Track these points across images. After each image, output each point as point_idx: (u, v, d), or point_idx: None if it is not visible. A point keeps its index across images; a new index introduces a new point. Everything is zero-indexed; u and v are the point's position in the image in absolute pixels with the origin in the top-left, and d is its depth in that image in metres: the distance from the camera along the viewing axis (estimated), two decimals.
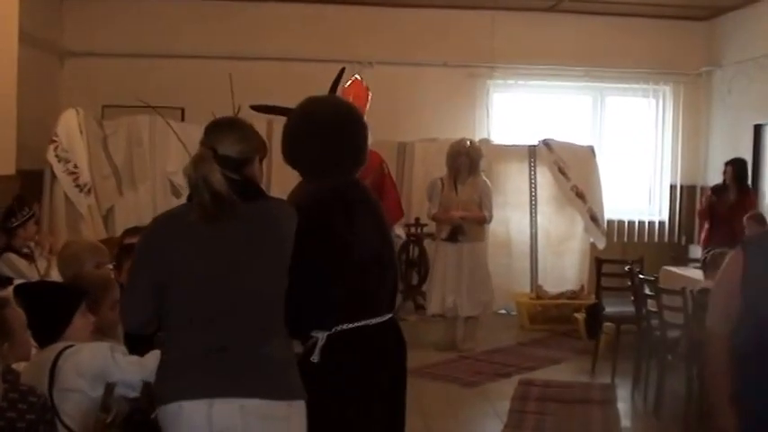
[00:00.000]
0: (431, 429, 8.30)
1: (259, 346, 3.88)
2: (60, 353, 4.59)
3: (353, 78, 11.44)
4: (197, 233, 3.92)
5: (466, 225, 11.20)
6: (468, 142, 11.57)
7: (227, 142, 4.02)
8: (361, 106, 12.01)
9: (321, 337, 4.28)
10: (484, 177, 11.54)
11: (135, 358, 4.67)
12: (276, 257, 4.01)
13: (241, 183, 3.99)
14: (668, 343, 8.77)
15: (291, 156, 4.63)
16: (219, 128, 4.10)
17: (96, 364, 4.56)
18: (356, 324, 4.36)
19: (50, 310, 4.80)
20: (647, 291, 9.34)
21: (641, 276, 9.61)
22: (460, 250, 11.26)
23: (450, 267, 11.29)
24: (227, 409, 3.79)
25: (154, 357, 4.27)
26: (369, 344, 4.40)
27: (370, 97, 11.76)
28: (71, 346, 4.64)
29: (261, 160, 4.17)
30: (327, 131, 4.57)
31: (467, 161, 11.27)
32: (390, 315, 4.56)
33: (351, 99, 11.97)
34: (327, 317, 4.27)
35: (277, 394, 3.86)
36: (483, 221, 11.36)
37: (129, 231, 7.42)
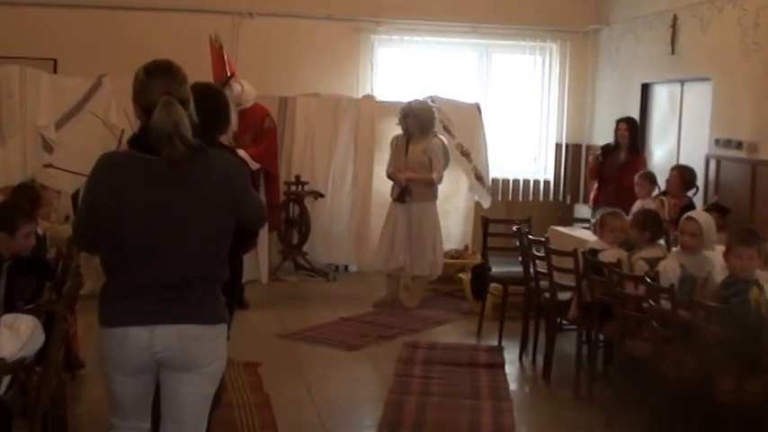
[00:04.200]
0: (312, 395, 8.08)
1: (191, 281, 4.28)
2: None
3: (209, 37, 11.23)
4: (145, 176, 4.14)
5: (413, 186, 11.29)
6: (414, 103, 11.59)
7: (177, 84, 4.17)
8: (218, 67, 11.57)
9: None
10: (438, 137, 11.61)
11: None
12: (213, 205, 4.26)
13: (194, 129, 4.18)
14: (558, 305, 8.62)
15: None
16: (167, 70, 4.21)
17: None
18: None
19: None
20: (535, 251, 9.18)
21: (531, 237, 9.44)
22: (409, 210, 11.39)
23: (399, 227, 11.46)
24: (166, 334, 4.25)
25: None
26: None
27: (226, 56, 11.39)
28: None
29: None
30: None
31: (414, 123, 11.34)
32: None
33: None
34: None
35: (207, 320, 4.34)
36: (430, 183, 11.34)
37: None
